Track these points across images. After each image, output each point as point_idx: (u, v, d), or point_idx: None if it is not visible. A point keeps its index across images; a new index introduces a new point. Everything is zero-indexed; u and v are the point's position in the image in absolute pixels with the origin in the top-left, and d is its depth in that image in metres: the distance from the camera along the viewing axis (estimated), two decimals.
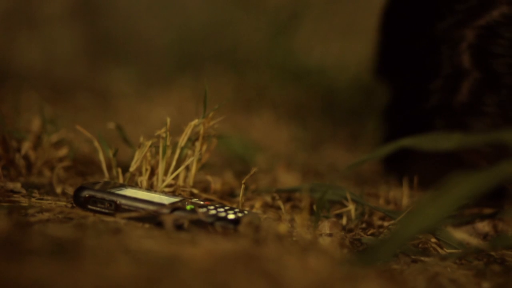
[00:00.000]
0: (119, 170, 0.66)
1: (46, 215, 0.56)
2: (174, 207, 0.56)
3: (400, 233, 0.45)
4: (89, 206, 0.58)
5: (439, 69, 0.79)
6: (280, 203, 0.67)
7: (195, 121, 0.66)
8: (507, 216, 0.66)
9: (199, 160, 0.66)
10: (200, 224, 0.55)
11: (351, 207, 0.66)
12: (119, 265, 0.40)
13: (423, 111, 0.82)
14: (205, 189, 0.69)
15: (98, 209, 0.58)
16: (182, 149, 0.66)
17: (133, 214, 0.56)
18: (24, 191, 0.63)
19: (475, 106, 0.77)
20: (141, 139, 0.65)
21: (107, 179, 0.67)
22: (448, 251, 0.57)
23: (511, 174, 0.46)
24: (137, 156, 0.65)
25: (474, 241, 0.55)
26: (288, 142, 1.20)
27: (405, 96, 0.86)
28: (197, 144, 0.66)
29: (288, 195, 0.73)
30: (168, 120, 0.65)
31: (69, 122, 0.77)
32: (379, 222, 0.67)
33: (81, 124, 0.69)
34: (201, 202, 0.59)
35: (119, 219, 0.56)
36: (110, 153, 0.66)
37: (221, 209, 0.57)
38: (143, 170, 0.65)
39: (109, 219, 0.57)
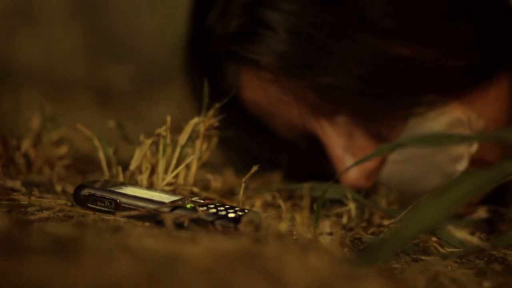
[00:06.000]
0: (119, 168, 0.65)
1: (45, 213, 0.56)
2: (174, 206, 0.56)
3: (401, 232, 0.44)
4: (89, 205, 0.58)
5: None
6: (280, 201, 0.67)
7: (196, 120, 0.65)
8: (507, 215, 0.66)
9: (199, 158, 0.66)
10: (200, 223, 0.54)
11: (352, 205, 0.66)
12: (119, 264, 0.40)
13: None
14: (206, 187, 0.69)
15: (98, 207, 0.57)
16: (182, 147, 0.65)
17: (133, 213, 0.56)
18: (23, 189, 0.63)
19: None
20: (142, 137, 0.65)
21: (107, 177, 0.66)
22: (449, 250, 0.57)
23: None
24: (137, 154, 0.64)
25: (475, 240, 0.54)
26: None
27: None
28: (198, 142, 0.66)
29: (289, 194, 0.73)
30: (168, 118, 0.64)
31: (69, 120, 0.77)
32: (380, 221, 0.67)
33: (81, 122, 0.68)
34: (201, 201, 0.59)
35: (119, 218, 0.56)
36: (110, 152, 0.66)
37: (221, 208, 0.57)
38: (143, 168, 0.64)
39: (109, 217, 0.57)
